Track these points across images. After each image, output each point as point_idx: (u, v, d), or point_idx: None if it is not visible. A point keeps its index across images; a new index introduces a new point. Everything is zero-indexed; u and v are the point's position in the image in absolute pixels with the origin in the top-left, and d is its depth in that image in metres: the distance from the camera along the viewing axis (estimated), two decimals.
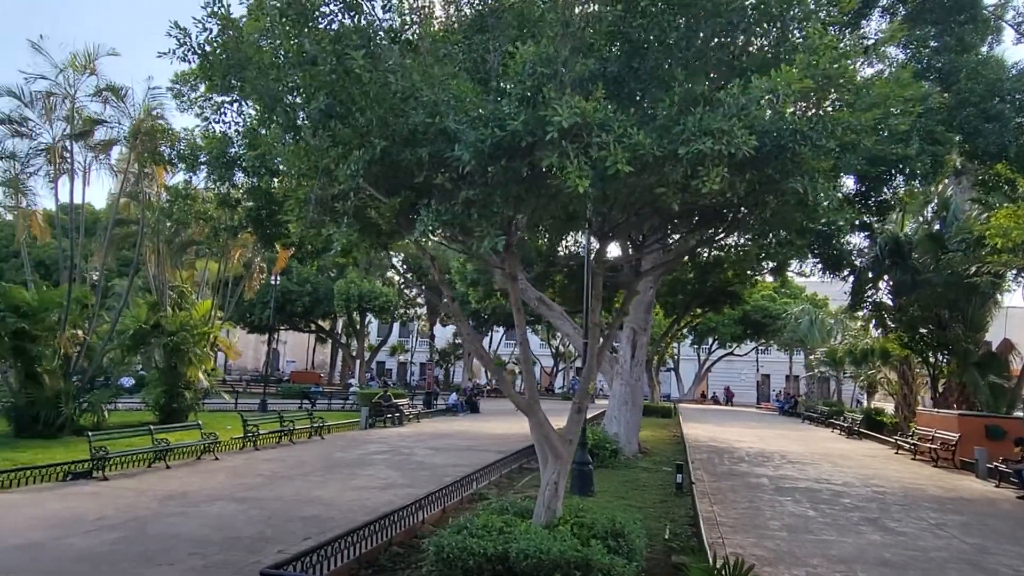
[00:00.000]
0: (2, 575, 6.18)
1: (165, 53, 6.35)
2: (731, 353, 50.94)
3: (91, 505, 9.11)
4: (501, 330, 55.02)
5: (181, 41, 6.14)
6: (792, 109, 5.02)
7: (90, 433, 11.57)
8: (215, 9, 5.97)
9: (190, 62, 6.51)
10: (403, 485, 11.38)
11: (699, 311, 31.19)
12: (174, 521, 8.31)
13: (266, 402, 27.77)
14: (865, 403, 37.42)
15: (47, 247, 43.15)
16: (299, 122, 6.23)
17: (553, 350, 55.01)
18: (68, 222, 17.80)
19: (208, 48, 6.24)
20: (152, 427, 13.15)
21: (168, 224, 19.36)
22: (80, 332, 17.69)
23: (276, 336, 48.17)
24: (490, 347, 54.63)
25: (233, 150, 15.89)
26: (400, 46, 5.51)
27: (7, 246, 45.41)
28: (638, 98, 5.68)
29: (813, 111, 5.47)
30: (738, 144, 4.54)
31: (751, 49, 5.61)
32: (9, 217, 50.40)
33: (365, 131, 5.44)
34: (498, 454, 15.10)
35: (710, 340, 50.09)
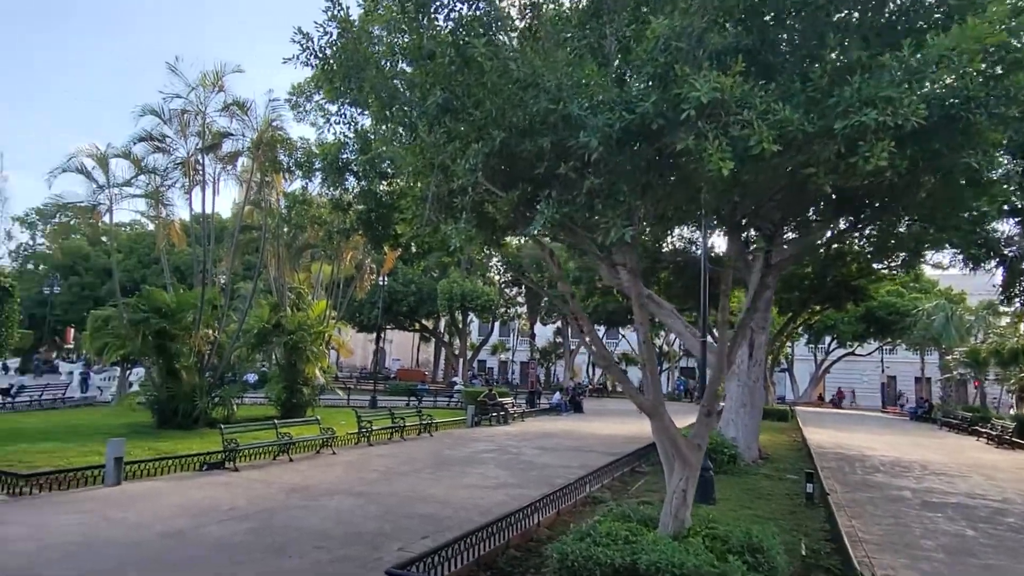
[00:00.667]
0: (149, 561, 6.57)
1: (289, 59, 6.48)
2: (852, 353, 47.44)
3: (225, 495, 9.63)
4: (602, 329, 54.31)
5: (304, 46, 6.24)
6: (972, 71, 4.34)
7: (222, 426, 12.32)
8: (335, 12, 6.03)
9: (312, 66, 6.58)
10: (514, 485, 11.25)
11: (817, 308, 29.15)
12: (298, 514, 8.60)
13: (376, 399, 28.81)
14: (1015, 408, 33.55)
15: (181, 253, 47.28)
16: (415, 119, 6.19)
17: (656, 350, 53.56)
18: (201, 230, 19.15)
19: (328, 51, 6.30)
20: (276, 422, 13.83)
21: (286, 229, 20.44)
22: (211, 331, 19.01)
23: (383, 335, 49.99)
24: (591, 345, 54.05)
25: (345, 155, 16.50)
26: (518, 34, 5.32)
27: (148, 253, 50.16)
28: (776, 72, 5.17)
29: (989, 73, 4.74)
30: (905, 114, 3.97)
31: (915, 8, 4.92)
32: (150, 227, 55.86)
33: (482, 124, 5.29)
34: (607, 456, 14.69)
35: (828, 339, 46.88)
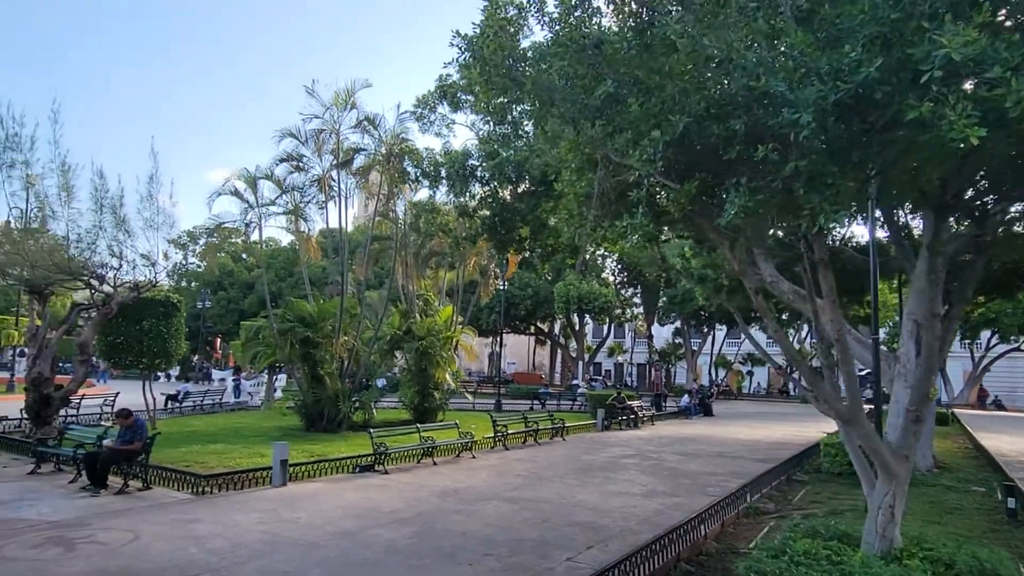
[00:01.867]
0: (331, 563, 6.76)
1: (449, 63, 6.49)
2: (1016, 349, 42.28)
3: (381, 497, 9.88)
4: (724, 328, 51.97)
5: (463, 48, 6.19)
6: None
7: (371, 431, 12.74)
8: (493, 11, 5.94)
9: (470, 67, 6.53)
10: (666, 493, 10.76)
11: (981, 299, 26.06)
12: (457, 519, 8.62)
13: (500, 402, 29.09)
14: None
15: (312, 266, 50.58)
16: (576, 114, 5.96)
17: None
18: (336, 243, 20.14)
19: (486, 52, 6.21)
20: (419, 426, 14.15)
21: (413, 237, 21.07)
22: (349, 338, 19.92)
23: (500, 339, 50.67)
24: (712, 346, 51.82)
25: (471, 162, 16.64)
26: (697, 8, 4.93)
27: (283, 267, 54.02)
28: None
29: None
30: None
31: None
32: (283, 243, 60.15)
33: (658, 111, 4.96)
34: (758, 463, 13.80)
35: (987, 334, 42.04)
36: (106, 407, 20.26)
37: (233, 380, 29.69)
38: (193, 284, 59.37)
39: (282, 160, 19.17)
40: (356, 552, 7.04)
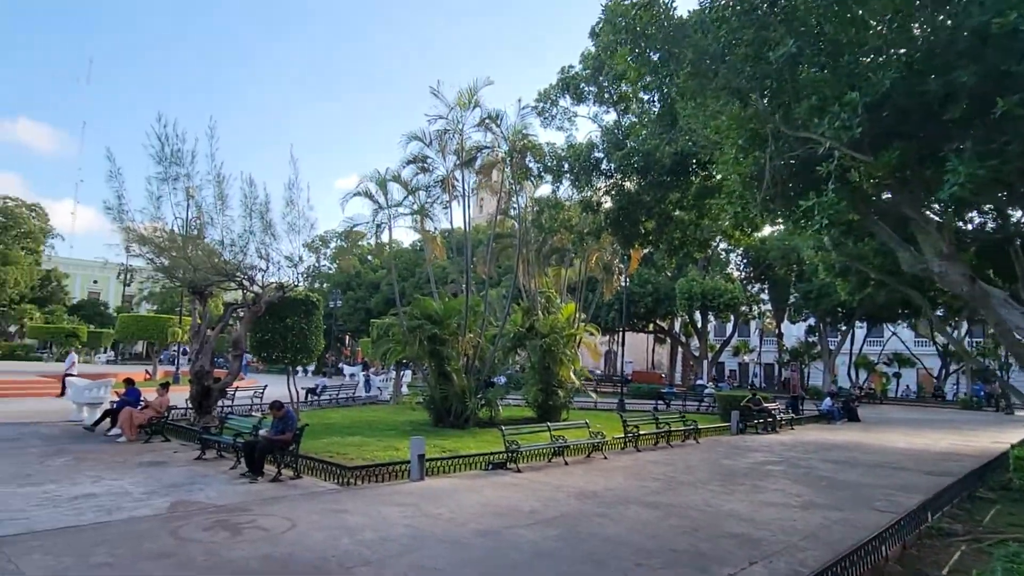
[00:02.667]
0: (480, 564, 6.61)
1: (597, 34, 6.12)
2: None
3: (519, 496, 9.70)
4: (863, 326, 47.77)
5: (617, 27, 5.80)
6: None
7: (503, 428, 12.66)
8: None
9: (619, 46, 6.13)
10: (826, 506, 9.76)
11: None
12: (601, 523, 8.24)
13: (624, 401, 28.36)
14: None
15: (433, 265, 52.19)
16: (743, 84, 5.38)
17: (939, 348, 45.50)
18: (462, 240, 20.40)
19: (638, 23, 5.79)
20: (549, 425, 13.91)
21: (534, 234, 20.92)
22: (473, 336, 20.11)
23: (618, 337, 49.60)
24: (851, 346, 47.83)
25: (596, 155, 16.11)
26: None
27: (405, 267, 56.16)
28: None
29: None
30: None
31: None
32: (404, 244, 62.65)
33: (854, 70, 4.30)
34: (926, 475, 12.31)
35: None
36: (255, 398, 21.84)
37: (363, 375, 31.13)
38: (324, 285, 63.26)
39: (408, 162, 19.71)
40: (504, 553, 6.85)
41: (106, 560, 6.19)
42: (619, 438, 15.43)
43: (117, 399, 15.61)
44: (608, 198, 18.81)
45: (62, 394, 22.78)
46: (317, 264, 63.37)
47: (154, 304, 68.11)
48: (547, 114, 18.67)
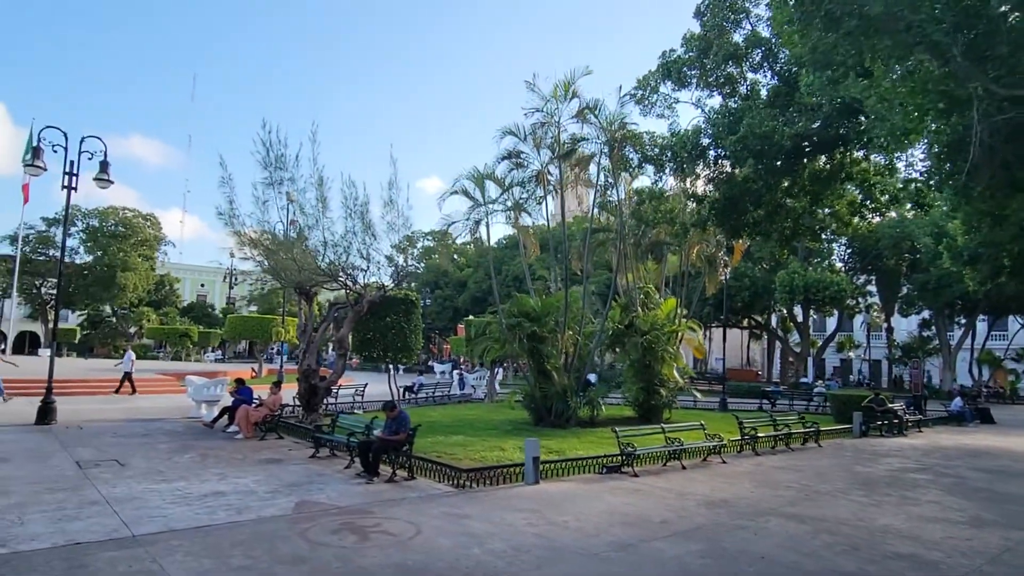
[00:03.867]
0: None
1: (702, 13, 5.44)
2: None
3: (644, 504, 9.12)
4: (984, 319, 43.61)
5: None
6: None
7: (616, 429, 12.08)
8: None
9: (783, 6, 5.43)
10: (998, 523, 8.61)
11: None
12: (745, 538, 7.54)
13: (726, 400, 27.05)
14: None
15: (517, 263, 52.00)
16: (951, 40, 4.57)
17: None
18: (560, 235, 19.93)
19: None
20: (664, 426, 13.21)
21: (635, 227, 20.16)
22: (571, 333, 19.59)
23: (723, 333, 47.67)
24: (972, 340, 43.85)
25: (704, 141, 15.21)
26: None
27: (494, 265, 56.40)
28: None
29: None
30: None
31: None
32: (492, 242, 62.92)
33: None
34: None
35: None
36: (357, 396, 22.27)
37: (456, 373, 31.30)
38: (412, 285, 64.62)
39: (503, 158, 19.42)
40: (648, 570, 6.31)
41: (244, 563, 6.14)
42: (735, 440, 14.49)
43: (232, 397, 16.20)
44: (713, 187, 17.85)
45: (118, 391, 23.71)
46: (405, 263, 64.83)
47: (255, 306, 71.93)
48: (646, 101, 17.90)
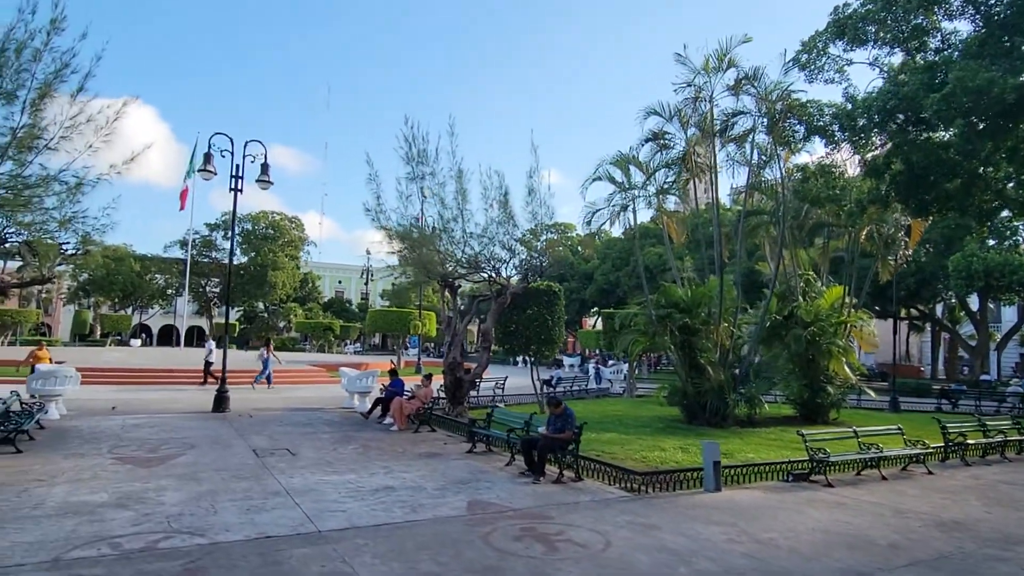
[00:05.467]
0: None
1: None
2: None
3: (858, 522, 7.83)
4: None
5: None
6: None
7: (803, 433, 10.72)
8: None
9: None
10: None
11: None
12: (1009, 572, 6.14)
13: (897, 400, 24.17)
14: None
15: (649, 253, 50.14)
16: None
17: None
18: (710, 219, 18.52)
19: None
20: (856, 429, 11.61)
21: (797, 208, 18.29)
22: (727, 325, 18.13)
23: (896, 323, 43.21)
24: None
25: (891, 104, 13.16)
26: None
27: (619, 257, 54.93)
28: None
29: None
30: None
31: None
32: (615, 233, 61.31)
33: None
34: None
35: None
36: (497, 389, 22.12)
37: (592, 367, 30.51)
38: (552, 276, 64.43)
39: (646, 140, 18.31)
40: None
41: (433, 569, 5.73)
42: (936, 447, 12.52)
43: (384, 389, 16.46)
44: (896, 158, 15.65)
45: (204, 383, 23.59)
46: (532, 256, 64.86)
47: (387, 300, 75.27)
48: (812, 66, 15.99)
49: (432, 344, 67.08)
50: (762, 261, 24.23)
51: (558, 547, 6.47)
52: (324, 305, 79.17)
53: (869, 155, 15.29)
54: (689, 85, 16.49)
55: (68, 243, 13.87)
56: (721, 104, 17.33)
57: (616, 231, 61.01)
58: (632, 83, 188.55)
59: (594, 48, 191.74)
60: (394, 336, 53.40)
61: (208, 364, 24.16)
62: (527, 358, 21.11)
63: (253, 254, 65.51)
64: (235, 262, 68.40)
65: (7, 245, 14.02)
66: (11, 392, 12.64)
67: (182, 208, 46.95)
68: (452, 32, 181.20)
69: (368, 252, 56.68)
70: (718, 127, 16.88)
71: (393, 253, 18.60)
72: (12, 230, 13.39)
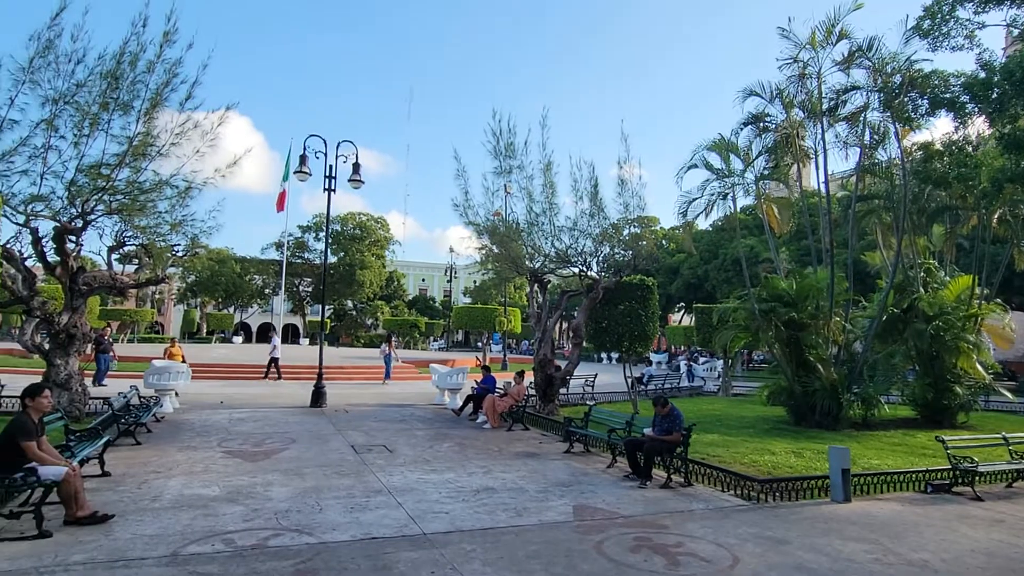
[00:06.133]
0: None
1: None
2: None
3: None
4: None
5: None
6: None
7: (943, 439, 9.61)
8: None
9: None
10: None
11: None
12: None
13: None
14: None
15: (731, 245, 47.88)
16: None
17: None
18: (816, 207, 17.22)
19: None
20: (1006, 436, 10.32)
21: (919, 190, 16.68)
22: (838, 319, 16.79)
23: None
24: None
25: None
26: None
27: (707, 250, 52.88)
28: None
29: None
30: None
31: None
32: (702, 226, 59.04)
33: None
34: None
35: None
36: (587, 387, 21.60)
37: (684, 364, 29.38)
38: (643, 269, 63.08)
39: (745, 123, 17.23)
40: None
41: None
42: None
43: (476, 386, 16.31)
44: None
45: (266, 376, 24.06)
46: (624, 249, 63.73)
47: (469, 298, 76.07)
48: (936, 32, 14.48)
49: (514, 341, 67.17)
50: (868, 250, 22.41)
51: (680, 561, 5.94)
52: (409, 303, 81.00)
53: (1007, 128, 13.67)
54: (794, 61, 15.32)
55: (179, 245, 14.51)
56: (829, 81, 16.02)
57: (703, 224, 58.94)
58: (718, 74, 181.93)
59: (674, 39, 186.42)
60: (476, 333, 53.82)
61: (274, 360, 24.44)
62: (616, 354, 20.47)
63: (342, 254, 67.89)
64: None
65: (125, 249, 14.84)
66: (130, 387, 13.35)
67: (279, 210, 49.06)
68: (532, 26, 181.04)
69: (452, 250, 57.48)
70: (827, 106, 15.58)
71: (481, 249, 18.45)
72: (130, 234, 14.13)
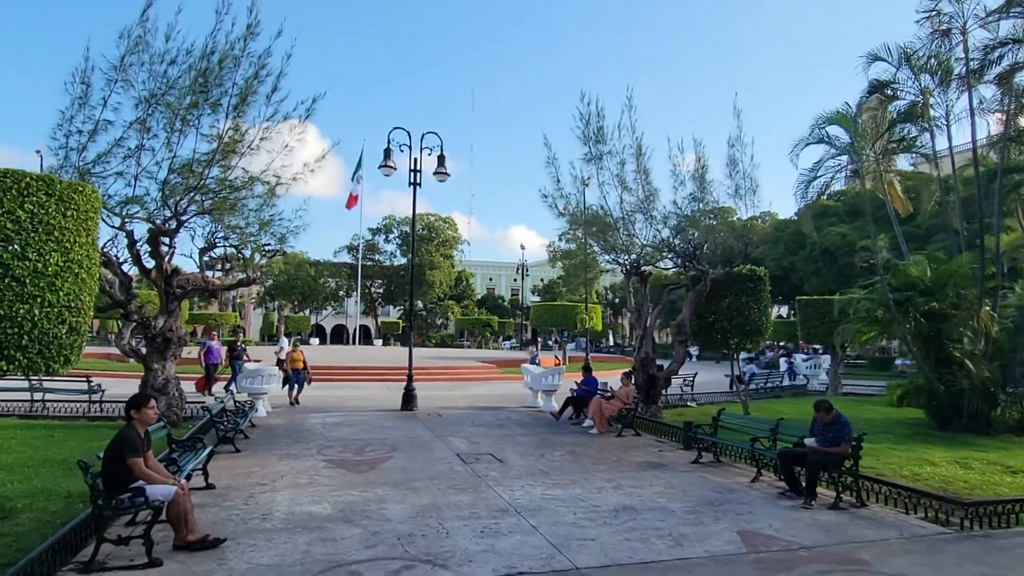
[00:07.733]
0: None
1: None
2: None
3: None
4: None
5: None
6: None
7: None
8: None
9: None
10: None
11: None
12: None
13: None
14: None
15: (829, 232, 44.86)
16: None
17: None
18: (960, 182, 15.25)
19: None
20: None
21: None
22: (987, 310, 14.77)
23: None
24: None
25: None
26: None
27: (793, 239, 49.92)
28: None
29: None
30: None
31: None
32: (781, 216, 55.81)
33: None
34: None
35: None
36: (685, 387, 20.18)
37: (785, 361, 27.40)
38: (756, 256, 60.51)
39: (870, 91, 15.45)
40: None
41: None
42: None
43: (576, 388, 15.23)
44: None
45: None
46: (735, 237, 61.51)
47: (539, 296, 75.09)
48: None
49: (565, 337, 65.65)
50: (1005, 231, 19.94)
51: None
52: (478, 302, 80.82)
53: None
54: (933, 13, 13.47)
55: (268, 245, 14.09)
56: (976, 36, 14.06)
57: (787, 212, 55.57)
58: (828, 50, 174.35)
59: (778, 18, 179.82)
60: (545, 331, 52.63)
61: (280, 361, 20.83)
62: (739, 351, 18.76)
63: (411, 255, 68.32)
64: (395, 263, 71.96)
65: (216, 250, 14.55)
66: (226, 391, 12.96)
67: (349, 207, 49.34)
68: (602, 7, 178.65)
69: (523, 247, 56.70)
70: (974, 66, 13.64)
71: (579, 239, 17.35)
72: (220, 235, 13.78)
